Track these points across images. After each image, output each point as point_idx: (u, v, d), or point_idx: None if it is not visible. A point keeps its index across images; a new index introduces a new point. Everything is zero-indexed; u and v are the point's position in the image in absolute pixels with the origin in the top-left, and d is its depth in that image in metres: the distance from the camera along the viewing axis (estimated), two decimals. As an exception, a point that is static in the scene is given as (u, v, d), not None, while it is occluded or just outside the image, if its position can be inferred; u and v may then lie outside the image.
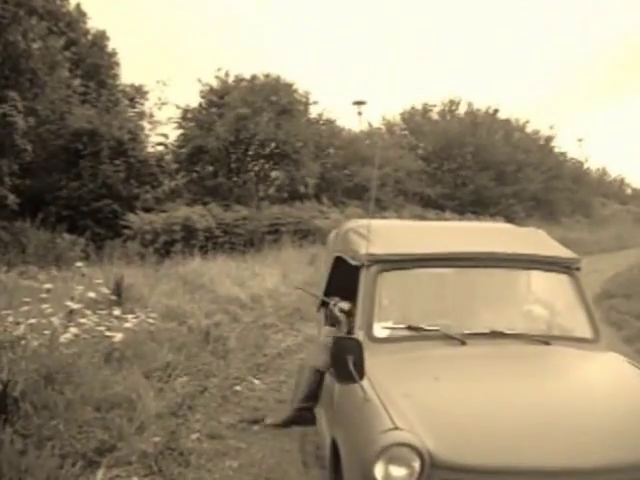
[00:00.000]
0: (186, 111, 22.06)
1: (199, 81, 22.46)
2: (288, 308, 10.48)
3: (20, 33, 15.21)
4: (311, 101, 23.47)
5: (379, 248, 3.82)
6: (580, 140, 40.91)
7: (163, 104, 20.42)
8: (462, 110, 32.77)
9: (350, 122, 34.86)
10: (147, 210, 17.46)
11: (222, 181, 21.49)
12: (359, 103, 27.43)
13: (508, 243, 4.14)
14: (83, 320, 6.41)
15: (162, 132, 20.91)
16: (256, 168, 22.58)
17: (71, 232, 15.74)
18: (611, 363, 3.64)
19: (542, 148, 34.63)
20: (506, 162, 30.83)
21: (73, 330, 6.02)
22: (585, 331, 3.79)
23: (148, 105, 20.93)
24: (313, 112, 24.18)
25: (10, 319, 5.95)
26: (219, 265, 12.86)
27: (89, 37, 20.99)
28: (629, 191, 54.33)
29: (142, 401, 5.27)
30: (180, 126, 21.94)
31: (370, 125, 29.86)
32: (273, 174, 22.93)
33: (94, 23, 21.13)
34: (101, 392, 5.20)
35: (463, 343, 3.51)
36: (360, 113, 27.58)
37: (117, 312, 7.21)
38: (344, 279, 4.31)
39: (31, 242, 14.68)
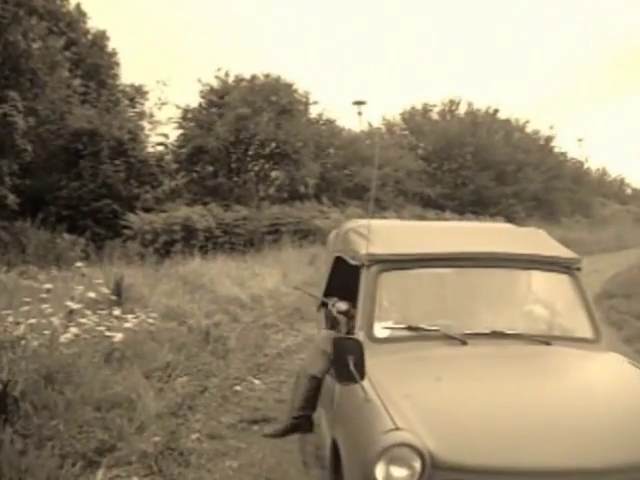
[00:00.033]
0: (186, 111, 22.07)
1: (199, 81, 22.51)
2: (288, 308, 10.49)
3: (20, 33, 15.21)
4: (311, 101, 23.51)
5: (379, 248, 3.81)
6: (580, 140, 40.96)
7: (163, 104, 20.45)
8: (462, 110, 32.83)
9: (350, 122, 34.95)
10: (147, 210, 17.46)
11: (222, 181, 21.49)
12: (359, 103, 27.44)
13: (509, 243, 4.14)
14: (83, 320, 6.41)
15: (162, 132, 20.96)
16: (256, 168, 22.59)
17: (71, 232, 15.74)
18: (612, 363, 3.63)
19: (542, 148, 34.65)
20: (506, 162, 30.85)
21: (73, 330, 6.02)
22: (586, 331, 3.78)
23: (148, 105, 20.97)
24: (313, 112, 24.23)
25: (10, 319, 5.95)
26: (219, 265, 12.87)
27: (89, 37, 20.99)
28: (629, 191, 54.40)
29: (142, 401, 5.27)
30: (180, 126, 21.95)
31: (370, 125, 29.91)
32: (273, 174, 22.94)
33: (94, 23, 21.19)
34: (101, 392, 5.20)
35: (464, 343, 3.50)
36: (360, 113, 27.61)
37: (117, 312, 7.22)
38: (344, 279, 4.30)
39: (31, 242, 14.68)
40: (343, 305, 4.41)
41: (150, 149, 20.00)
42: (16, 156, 15.58)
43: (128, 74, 23.82)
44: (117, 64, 21.55)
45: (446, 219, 20.84)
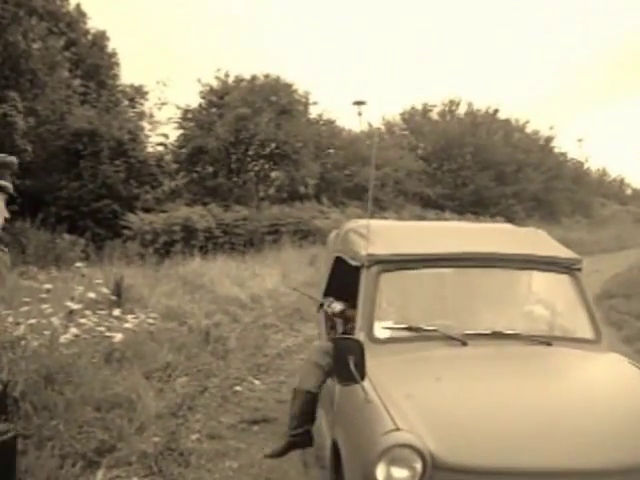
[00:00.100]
0: (186, 111, 22.08)
1: (199, 81, 22.53)
2: (288, 308, 10.48)
3: (20, 33, 15.21)
4: (311, 101, 23.53)
5: (379, 248, 3.81)
6: (580, 140, 41.08)
7: (163, 104, 20.42)
8: (462, 110, 32.88)
9: (350, 122, 34.98)
10: (147, 210, 17.45)
11: (222, 181, 21.49)
12: (359, 103, 27.45)
13: (509, 243, 4.13)
14: (83, 320, 6.41)
15: (162, 132, 20.91)
16: (256, 168, 22.59)
17: (71, 232, 15.73)
18: (612, 364, 3.63)
19: (542, 148, 34.69)
20: (506, 162, 30.86)
21: (73, 330, 6.02)
22: (586, 332, 3.78)
23: (148, 105, 20.92)
24: (313, 112, 24.25)
25: (10, 319, 5.94)
26: (219, 265, 12.87)
27: (89, 37, 20.96)
28: (629, 191, 54.49)
29: (142, 401, 5.27)
30: (180, 126, 21.96)
31: (370, 125, 29.92)
32: (273, 174, 22.95)
33: (94, 23, 21.15)
34: (101, 392, 5.20)
35: (464, 344, 3.50)
36: (360, 113, 27.63)
37: (117, 312, 7.21)
38: (344, 279, 4.29)
39: (31, 242, 14.67)
40: (338, 305, 4.41)
41: (150, 149, 20.00)
42: (16, 156, 15.52)
43: (128, 74, 23.90)
44: (117, 64, 21.54)
45: (446, 219, 20.82)
